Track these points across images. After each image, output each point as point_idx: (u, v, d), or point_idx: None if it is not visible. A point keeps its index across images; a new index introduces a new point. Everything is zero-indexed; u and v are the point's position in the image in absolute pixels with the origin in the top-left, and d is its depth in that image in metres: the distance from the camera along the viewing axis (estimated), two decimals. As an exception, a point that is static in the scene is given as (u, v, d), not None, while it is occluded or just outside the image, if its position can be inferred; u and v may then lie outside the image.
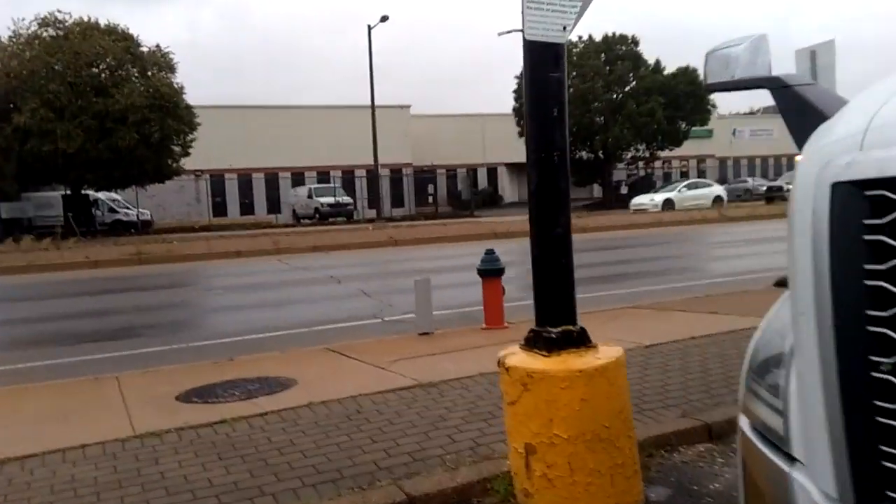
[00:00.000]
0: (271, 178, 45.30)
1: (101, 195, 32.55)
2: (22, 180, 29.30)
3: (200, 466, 3.66)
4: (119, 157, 27.91)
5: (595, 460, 3.04)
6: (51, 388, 5.63)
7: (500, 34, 3.28)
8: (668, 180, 54.72)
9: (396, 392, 4.81)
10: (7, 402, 5.21)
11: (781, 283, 6.75)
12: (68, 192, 30.44)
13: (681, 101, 43.70)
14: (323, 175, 45.67)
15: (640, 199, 35.52)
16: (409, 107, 50.00)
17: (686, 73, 45.52)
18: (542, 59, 3.05)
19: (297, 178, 45.33)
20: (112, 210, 33.11)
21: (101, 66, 29.03)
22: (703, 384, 4.82)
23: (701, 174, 53.84)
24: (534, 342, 3.21)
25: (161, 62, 30.43)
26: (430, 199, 48.58)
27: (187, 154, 31.76)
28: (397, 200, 47.10)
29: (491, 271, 7.04)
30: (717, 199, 35.19)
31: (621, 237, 19.94)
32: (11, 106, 26.92)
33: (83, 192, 30.50)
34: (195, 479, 3.50)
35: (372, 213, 40.09)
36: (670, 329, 6.51)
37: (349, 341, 7.18)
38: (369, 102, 35.31)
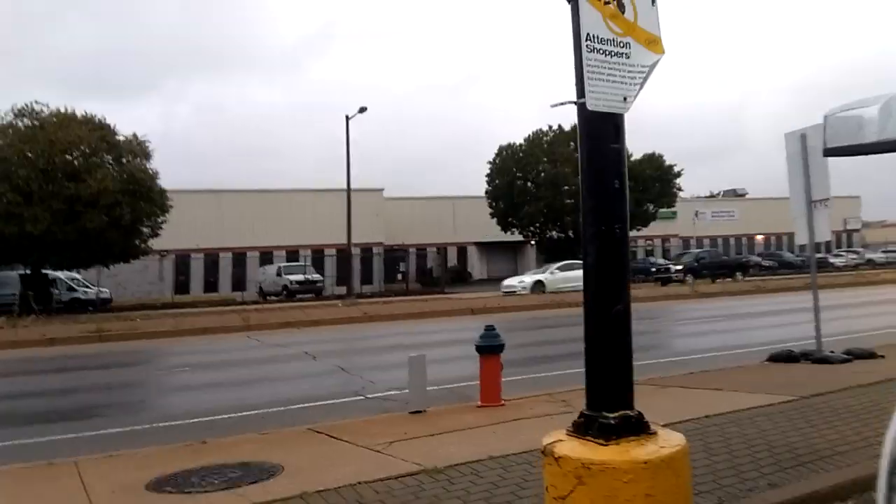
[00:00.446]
0: (239, 257, 44.95)
1: (61, 274, 31.54)
2: (-20, 260, 28.31)
3: (179, 572, 3.08)
4: (86, 238, 27.21)
5: (658, 559, 2.59)
6: (6, 476, 4.95)
7: (553, 106, 3.14)
8: (633, 258, 55.74)
9: (400, 479, 4.27)
10: (-54, 496, 4.52)
11: (775, 358, 6.36)
12: (28, 271, 29.42)
13: (648, 184, 44.99)
14: (292, 254, 45.52)
15: (510, 282, 33.29)
16: (382, 190, 50.80)
17: (652, 160, 47.28)
18: (602, 130, 2.93)
19: (266, 257, 45.10)
20: (70, 289, 32.03)
21: (75, 154, 28.83)
22: (732, 467, 4.41)
23: (665, 253, 54.89)
24: (585, 428, 2.82)
25: (136, 150, 30.32)
26: (400, 277, 48.46)
27: (156, 235, 31.27)
28: (367, 278, 46.89)
29: (491, 347, 6.65)
30: None
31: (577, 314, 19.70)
32: (-20, 190, 26.36)
33: (42, 271, 29.51)
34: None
35: (341, 291, 39.57)
36: (681, 407, 6.11)
37: (333, 421, 6.64)
38: (343, 186, 35.57)
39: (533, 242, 53.52)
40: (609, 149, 2.94)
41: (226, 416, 7.39)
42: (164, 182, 30.91)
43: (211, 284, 43.96)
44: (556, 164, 46.24)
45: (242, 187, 47.57)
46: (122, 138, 30.17)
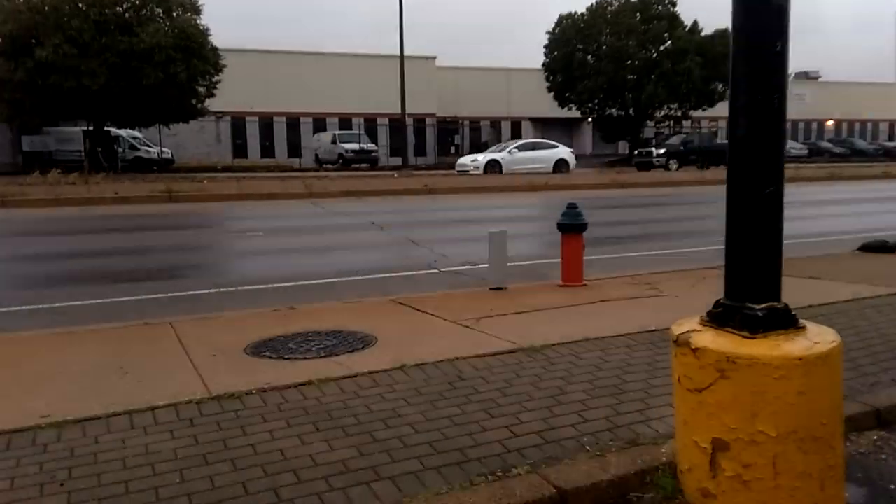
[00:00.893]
0: (292, 123, 44.70)
1: (123, 132, 31.94)
2: (43, 114, 28.68)
3: (297, 439, 3.11)
4: (144, 95, 27.20)
5: (806, 462, 2.46)
6: (99, 335, 5.10)
7: None
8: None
9: (497, 357, 4.23)
10: (54, 349, 4.69)
11: (868, 248, 5.95)
12: (90, 127, 29.80)
13: (718, 62, 42.26)
14: (345, 122, 45.12)
15: (464, 160, 29.57)
16: (434, 58, 48.99)
17: (724, 36, 43.91)
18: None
19: (319, 124, 44.75)
20: (133, 147, 32.52)
21: (124, 5, 28.12)
22: (849, 360, 4.18)
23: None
24: (725, 319, 2.61)
25: (186, 3, 29.43)
26: (454, 150, 47.84)
27: (212, 95, 31.01)
28: (420, 150, 46.46)
29: (574, 226, 6.43)
30: (561, 163, 28.65)
31: (661, 194, 19.14)
32: (33, 41, 26.11)
33: (105, 128, 29.87)
34: (294, 456, 2.96)
35: (395, 162, 39.42)
36: (786, 295, 5.86)
37: (411, 293, 6.64)
38: (393, 52, 34.26)
39: (590, 120, 51.72)
40: (770, 5, 2.51)
41: (303, 282, 7.48)
42: (213, 39, 30.28)
43: (267, 149, 44.18)
44: (619, 36, 43.68)
45: (291, 49, 46.33)
46: None
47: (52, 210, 14.65)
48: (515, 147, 29.39)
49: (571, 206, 6.57)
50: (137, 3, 28.38)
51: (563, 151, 29.79)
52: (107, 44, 26.36)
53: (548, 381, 3.79)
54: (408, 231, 11.16)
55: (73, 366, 4.28)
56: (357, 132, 39.84)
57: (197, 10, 29.73)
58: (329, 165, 37.45)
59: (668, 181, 23.15)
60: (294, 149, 43.36)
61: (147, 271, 8.23)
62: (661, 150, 33.68)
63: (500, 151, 29.42)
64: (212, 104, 32.53)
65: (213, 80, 30.46)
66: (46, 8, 26.13)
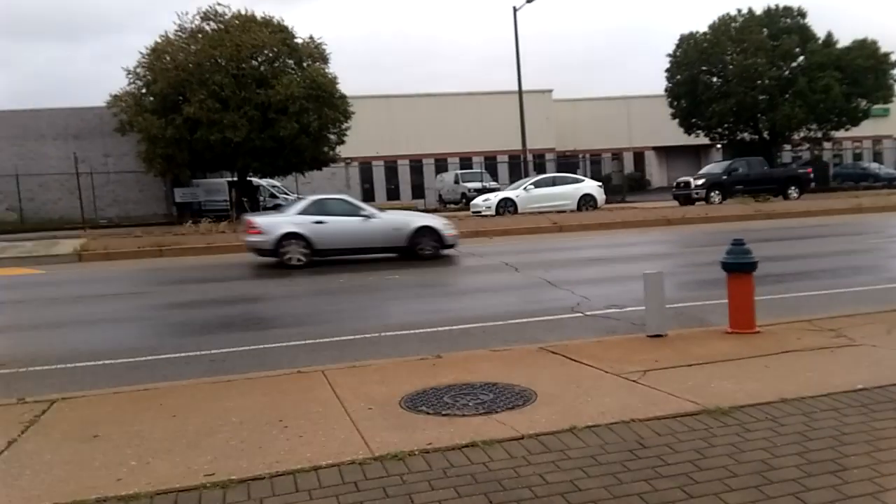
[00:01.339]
0: (416, 165, 45.84)
1: (263, 181, 33.87)
2: (192, 167, 30.99)
3: (472, 513, 2.84)
4: (281, 145, 28.67)
5: None
6: (256, 383, 5.12)
7: None
8: (839, 163, 49.62)
9: (679, 419, 3.77)
10: (214, 398, 4.72)
11: None
12: (235, 178, 31.82)
13: (859, 76, 38.98)
14: (466, 160, 45.70)
15: (477, 201, 26.90)
16: (551, 91, 48.82)
17: (864, 47, 40.65)
18: None
19: (441, 164, 45.59)
20: (272, 195, 34.39)
21: (259, 59, 29.94)
22: None
23: (876, 157, 48.19)
24: None
25: (315, 53, 30.93)
26: (575, 185, 46.99)
27: (342, 142, 32.23)
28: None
29: (743, 265, 5.84)
30: (587, 199, 25.96)
31: (810, 224, 17.57)
32: (181, 98, 28.36)
33: (248, 178, 31.78)
34: (473, 534, 2.67)
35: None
36: None
37: (559, 340, 6.29)
38: (507, 88, 34.41)
39: (719, 146, 49.22)
40: None
41: (444, 328, 7.30)
42: (342, 89, 31.45)
43: (392, 192, 45.47)
44: (747, 54, 41.35)
45: (409, 92, 47.76)
46: (300, 41, 30.88)
47: (204, 257, 15.55)
48: (531, 183, 26.56)
49: (738, 243, 5.99)
50: (271, 55, 30.15)
51: (589, 186, 27.04)
52: (246, 97, 28.12)
53: (748, 454, 3.29)
54: (543, 271, 10.80)
55: (234, 416, 4.26)
56: (479, 171, 40.13)
57: (325, 59, 31.14)
58: (452, 205, 37.85)
59: (821, 210, 21.31)
60: (418, 190, 44.37)
61: (294, 317, 8.39)
62: (700, 181, 29.46)
63: (515, 189, 26.86)
64: (341, 151, 33.86)
65: (343, 127, 31.68)
66: (191, 66, 28.32)
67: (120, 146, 34.66)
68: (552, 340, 6.38)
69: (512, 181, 44.09)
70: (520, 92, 34.57)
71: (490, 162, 45.33)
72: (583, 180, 28.00)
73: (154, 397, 4.83)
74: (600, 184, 28.13)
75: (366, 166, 45.33)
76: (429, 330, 7.22)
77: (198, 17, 30.13)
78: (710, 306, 7.98)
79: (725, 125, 44.29)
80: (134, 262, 15.33)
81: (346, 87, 31.40)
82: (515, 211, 24.83)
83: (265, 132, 28.25)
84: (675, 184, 32.32)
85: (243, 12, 30.43)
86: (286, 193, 35.12)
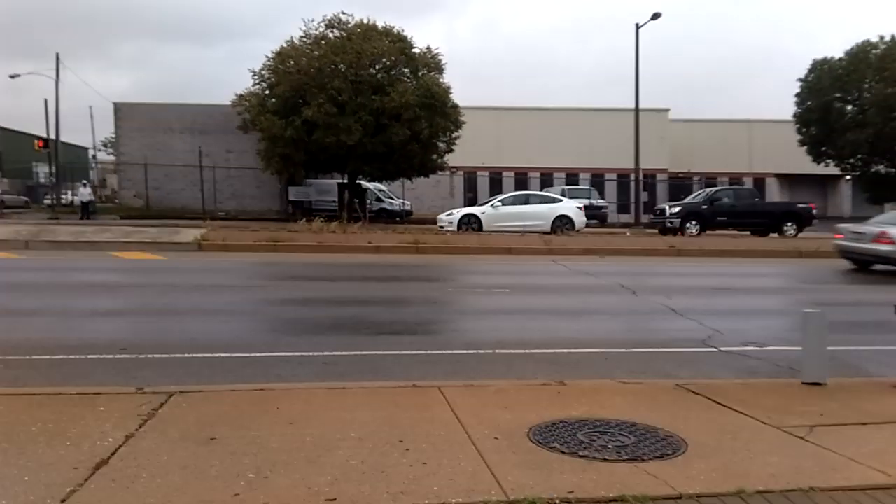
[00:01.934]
0: (521, 178, 45.42)
1: (371, 185, 34.48)
2: (307, 167, 32.00)
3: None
4: (391, 151, 29.12)
5: None
6: (371, 395, 4.86)
7: None
8: None
9: (869, 493, 3.16)
10: (331, 407, 4.49)
11: None
12: (345, 180, 32.58)
13: None
14: (572, 176, 44.82)
15: (442, 216, 24.86)
16: (667, 110, 47.17)
17: None
18: None
19: (546, 179, 44.96)
20: (378, 199, 34.93)
21: (378, 67, 30.52)
22: None
23: None
24: None
25: (431, 63, 31.23)
26: (685, 208, 45.01)
27: (451, 150, 32.35)
28: (649, 207, 44.41)
29: (926, 312, 5.01)
30: (562, 220, 23.40)
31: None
32: (301, 101, 29.30)
33: (357, 181, 32.45)
34: None
35: (623, 218, 38.02)
36: None
37: (695, 377, 5.71)
38: (621, 105, 33.40)
39: (849, 177, 45.78)
40: None
41: (561, 350, 6.83)
42: (454, 99, 31.54)
43: (496, 203, 45.32)
44: (887, 82, 38.27)
45: (520, 105, 47.42)
46: (417, 51, 31.21)
47: (315, 255, 15.77)
48: (499, 200, 24.38)
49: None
50: (388, 64, 30.68)
51: (566, 207, 24.41)
52: (361, 102, 28.74)
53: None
54: (664, 297, 10.08)
55: (352, 431, 4.00)
56: (587, 188, 39.16)
57: (440, 69, 31.39)
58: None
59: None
60: (523, 205, 43.94)
61: (404, 324, 8.17)
62: (676, 209, 25.86)
63: (482, 206, 24.90)
64: (449, 159, 33.96)
65: (453, 136, 31.77)
66: (312, 70, 29.20)
67: (241, 143, 36.28)
68: (685, 376, 5.82)
69: (620, 200, 42.95)
70: (636, 109, 33.51)
71: (597, 179, 44.25)
72: (561, 200, 25.51)
73: (270, 399, 4.66)
74: (581, 205, 25.40)
75: (471, 176, 45.34)
76: (546, 351, 6.78)
77: (322, 25, 31.14)
78: (864, 352, 7.13)
79: (859, 156, 41.23)
80: (249, 254, 15.77)
81: (457, 97, 31.53)
82: (480, 228, 22.88)
83: (377, 137, 28.76)
84: (654, 210, 29.01)
85: (366, 21, 31.18)
86: (391, 198, 35.58)
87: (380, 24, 31.52)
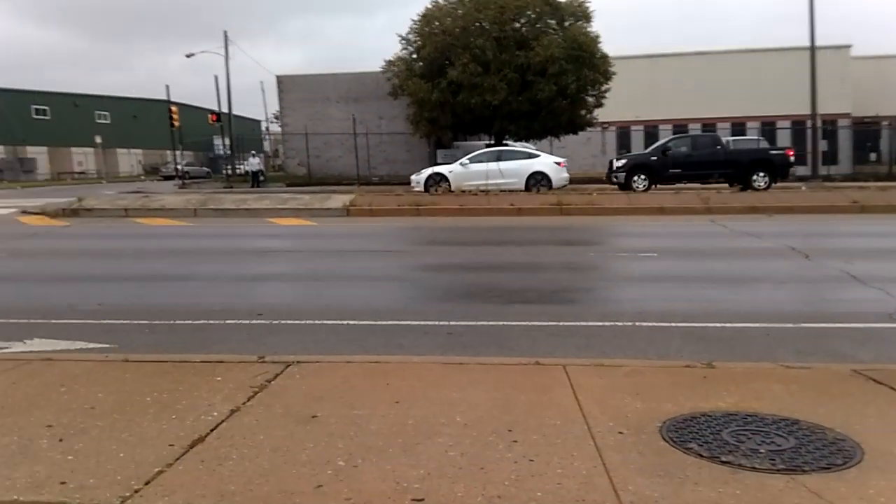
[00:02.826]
0: (679, 130, 42.46)
1: (518, 145, 33.83)
2: (454, 130, 31.94)
3: None
4: (538, 108, 28.23)
5: None
6: (489, 372, 4.49)
7: None
8: None
9: None
10: (442, 385, 4.18)
11: None
12: (491, 141, 32.19)
13: None
14: (737, 126, 41.22)
15: (413, 175, 23.18)
16: (849, 47, 41.56)
17: None
18: None
19: (708, 130, 41.70)
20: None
21: (521, 20, 29.48)
22: None
23: None
24: None
25: (577, 11, 29.64)
26: (874, 157, 39.97)
27: (600, 105, 30.78)
28: (830, 157, 39.85)
29: None
30: (536, 177, 21.00)
31: None
32: (447, 62, 29.07)
33: (504, 142, 31.93)
34: None
35: (799, 171, 34.39)
36: None
37: (879, 361, 4.78)
38: (796, 44, 29.66)
39: None
40: None
41: (713, 324, 6.05)
42: (604, 48, 29.79)
43: (649, 159, 42.89)
44: None
45: (677, 50, 43.92)
46: (562, 0, 29.71)
47: (456, 219, 15.64)
48: (468, 158, 22.61)
49: None
50: (533, 16, 29.52)
51: (542, 163, 22.17)
52: (505, 59, 27.97)
53: None
54: (843, 262, 8.75)
55: (458, 414, 3.66)
56: (754, 138, 35.79)
57: (588, 18, 29.73)
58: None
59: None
60: (681, 158, 41.14)
61: (538, 292, 7.71)
62: (621, 162, 22.83)
63: (449, 165, 23.22)
64: (599, 114, 32.39)
65: (602, 88, 30.17)
66: (457, 30, 28.81)
67: (392, 109, 36.98)
68: (865, 359, 4.89)
69: (796, 149, 38.89)
70: (812, 47, 29.73)
71: (768, 128, 40.37)
72: (538, 155, 23.12)
73: (382, 373, 4.45)
74: (560, 160, 22.78)
75: (623, 131, 43.13)
76: (694, 325, 6.04)
77: (465, -19, 30.48)
78: None
79: None
80: (393, 219, 15.98)
81: (609, 48, 29.77)
82: (449, 189, 21.29)
83: (522, 95, 27.96)
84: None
85: None
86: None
87: None
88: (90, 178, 58.61)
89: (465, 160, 22.67)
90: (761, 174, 21.78)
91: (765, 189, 21.16)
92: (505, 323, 6.22)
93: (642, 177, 21.91)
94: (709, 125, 41.83)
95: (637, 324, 6.11)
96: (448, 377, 4.38)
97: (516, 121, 29.05)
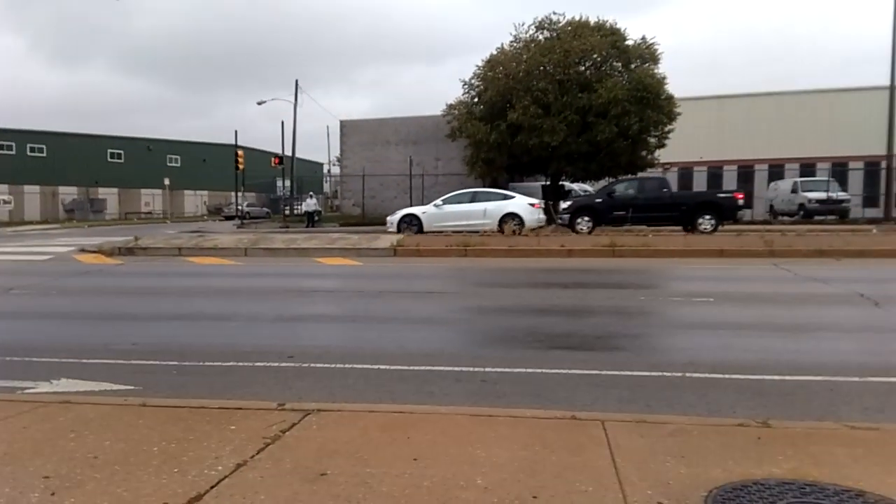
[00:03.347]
0: (745, 171, 41.35)
1: (575, 186, 33.37)
2: (510, 171, 31.85)
3: None
4: (596, 149, 27.83)
5: None
6: (519, 426, 4.16)
7: None
8: None
9: None
10: (467, 441, 3.88)
11: None
12: (547, 182, 31.85)
13: None
14: (807, 167, 39.78)
15: (388, 217, 23.43)
16: (929, 86, 39.72)
17: None
18: None
19: (775, 171, 40.46)
20: (583, 199, 33.74)
21: (587, 63, 29.34)
22: None
23: None
24: None
25: (645, 53, 29.28)
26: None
27: (663, 145, 30.10)
28: (902, 199, 37.88)
29: None
30: (510, 219, 20.84)
31: None
32: (508, 105, 29.09)
33: (560, 182, 31.55)
34: None
35: (871, 213, 32.80)
36: None
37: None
38: (875, 83, 28.59)
39: None
40: None
41: (771, 376, 5.56)
42: (670, 88, 29.28)
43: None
44: None
45: (745, 91, 43.01)
46: (630, 43, 29.42)
47: (503, 260, 15.33)
48: (442, 200, 22.70)
49: None
50: (599, 59, 29.32)
51: (516, 204, 21.97)
52: (567, 101, 27.77)
53: None
54: (920, 311, 8.05)
55: (480, 477, 3.35)
56: (825, 179, 34.38)
57: (655, 60, 29.29)
58: (786, 217, 33.08)
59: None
60: (747, 199, 39.93)
61: (581, 338, 7.32)
62: (566, 204, 23.34)
63: (424, 206, 23.27)
64: (661, 155, 31.72)
65: (665, 129, 29.57)
66: (520, 74, 28.84)
67: (449, 150, 37.28)
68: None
69: (867, 192, 37.13)
70: (892, 86, 28.50)
71: (839, 168, 38.80)
72: (513, 196, 22.65)
73: (404, 426, 4.18)
74: (535, 202, 22.62)
75: (686, 172, 42.21)
76: (750, 377, 5.56)
77: (532, 27, 30.68)
78: None
79: None
80: (440, 259, 15.78)
81: (676, 90, 29.27)
82: (420, 230, 21.40)
83: (581, 136, 27.68)
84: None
85: (577, 19, 30.12)
86: (597, 198, 34.15)
87: (592, 19, 30.30)
88: (156, 217, 61.06)
89: (438, 201, 22.93)
90: (707, 217, 21.65)
91: (710, 232, 20.93)
92: (543, 370, 5.87)
93: (586, 219, 22.19)
94: (776, 166, 40.60)
95: (687, 375, 5.67)
96: (474, 432, 4.07)
97: (574, 162, 28.73)
